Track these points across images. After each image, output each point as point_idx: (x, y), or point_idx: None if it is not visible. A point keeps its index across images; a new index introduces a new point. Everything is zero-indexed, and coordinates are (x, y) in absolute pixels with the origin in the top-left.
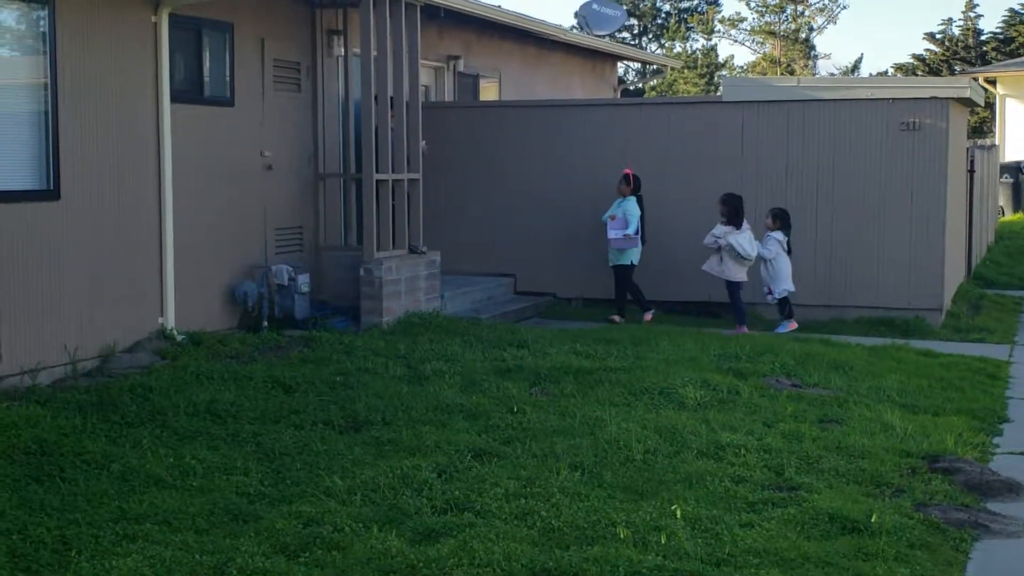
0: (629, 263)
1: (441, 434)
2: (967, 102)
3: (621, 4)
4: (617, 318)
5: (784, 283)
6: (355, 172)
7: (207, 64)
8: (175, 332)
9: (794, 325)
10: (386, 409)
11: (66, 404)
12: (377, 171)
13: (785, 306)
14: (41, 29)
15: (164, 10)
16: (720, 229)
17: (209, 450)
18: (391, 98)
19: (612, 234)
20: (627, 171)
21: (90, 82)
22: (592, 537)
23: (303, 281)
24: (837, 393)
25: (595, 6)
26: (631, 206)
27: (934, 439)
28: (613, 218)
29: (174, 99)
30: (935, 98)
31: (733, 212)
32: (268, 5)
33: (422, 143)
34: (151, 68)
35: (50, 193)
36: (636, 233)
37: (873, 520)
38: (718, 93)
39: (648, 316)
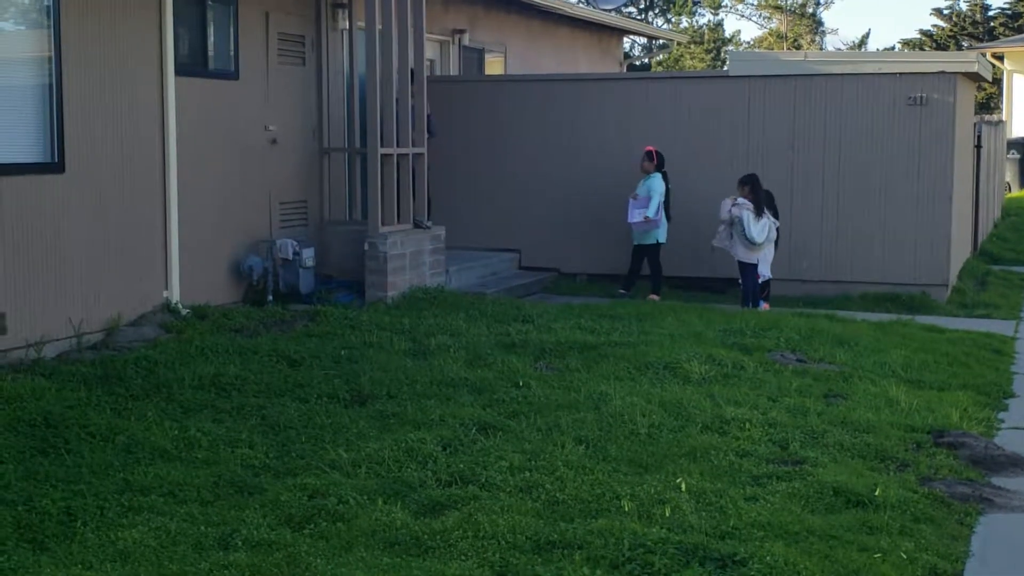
0: (655, 241)
1: (446, 408)
2: (974, 77)
3: None
4: (656, 297)
5: (762, 267)
6: (360, 146)
7: (211, 37)
8: (180, 306)
9: (766, 306)
10: (391, 383)
11: (71, 377)
12: (382, 145)
13: (765, 287)
14: (45, 3)
15: None
16: (741, 200)
17: (214, 423)
18: (396, 72)
19: (633, 216)
20: (649, 148)
21: (94, 55)
22: (596, 510)
23: (308, 255)
24: (842, 368)
25: None
26: (655, 183)
27: (939, 414)
28: (635, 197)
29: (178, 72)
30: (942, 73)
31: (752, 192)
32: None
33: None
34: (155, 41)
35: (54, 166)
36: (657, 213)
37: (878, 494)
38: (725, 68)
39: (655, 297)
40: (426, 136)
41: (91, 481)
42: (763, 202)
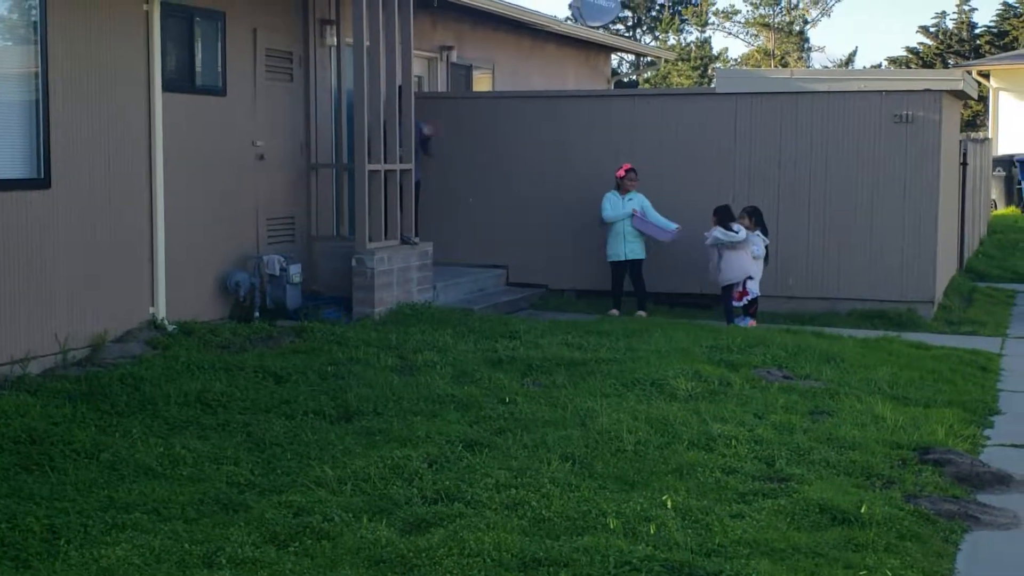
0: (642, 257)
1: (432, 424)
2: (960, 95)
3: None
4: (643, 313)
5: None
6: (347, 162)
7: (199, 53)
8: (166, 322)
9: (753, 323)
10: (377, 399)
11: (56, 393)
12: (369, 161)
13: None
14: (32, 18)
15: None
16: (713, 229)
17: (199, 440)
18: (383, 88)
19: (661, 235)
20: (628, 165)
21: (81, 71)
22: (582, 527)
23: (295, 271)
24: (828, 385)
25: None
26: (645, 200)
27: (925, 431)
28: (635, 213)
29: (166, 88)
30: (928, 90)
31: (721, 223)
32: None
33: (427, 128)
34: (143, 57)
35: (41, 181)
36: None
37: (863, 511)
38: (712, 85)
39: (642, 314)
40: (422, 153)
41: (75, 498)
42: (731, 222)
